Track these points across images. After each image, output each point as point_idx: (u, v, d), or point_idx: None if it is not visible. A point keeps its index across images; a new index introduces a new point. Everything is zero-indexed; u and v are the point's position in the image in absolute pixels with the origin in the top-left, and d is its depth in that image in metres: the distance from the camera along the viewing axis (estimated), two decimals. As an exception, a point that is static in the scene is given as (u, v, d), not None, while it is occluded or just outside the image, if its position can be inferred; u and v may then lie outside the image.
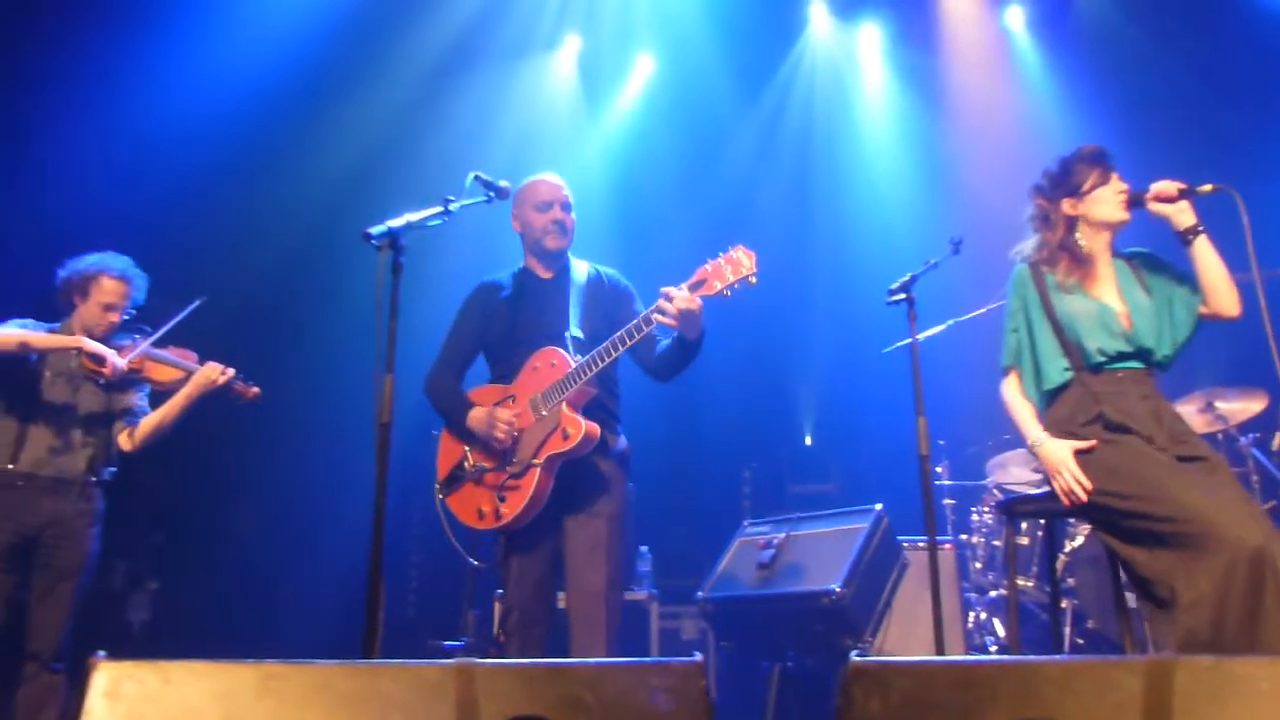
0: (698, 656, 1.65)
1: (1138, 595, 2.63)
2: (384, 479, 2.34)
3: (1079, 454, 2.78)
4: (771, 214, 7.22)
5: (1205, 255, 2.84)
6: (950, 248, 3.41)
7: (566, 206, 3.51)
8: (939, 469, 5.81)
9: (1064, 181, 3.01)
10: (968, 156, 7.05)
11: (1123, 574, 2.80)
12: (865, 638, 3.82)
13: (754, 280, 2.92)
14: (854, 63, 7.56)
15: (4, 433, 3.65)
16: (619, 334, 3.12)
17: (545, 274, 3.53)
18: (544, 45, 7.30)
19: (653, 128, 7.33)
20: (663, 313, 2.99)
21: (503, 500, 3.21)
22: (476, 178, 3.02)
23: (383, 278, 2.53)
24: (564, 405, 3.16)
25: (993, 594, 5.31)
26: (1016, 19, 7.39)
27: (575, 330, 3.36)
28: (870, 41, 7.58)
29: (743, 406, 7.11)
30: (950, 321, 5.15)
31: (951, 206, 6.91)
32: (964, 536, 5.52)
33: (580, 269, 3.55)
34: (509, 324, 3.43)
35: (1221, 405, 5.15)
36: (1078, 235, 2.99)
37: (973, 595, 5.31)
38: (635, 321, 3.10)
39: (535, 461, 3.16)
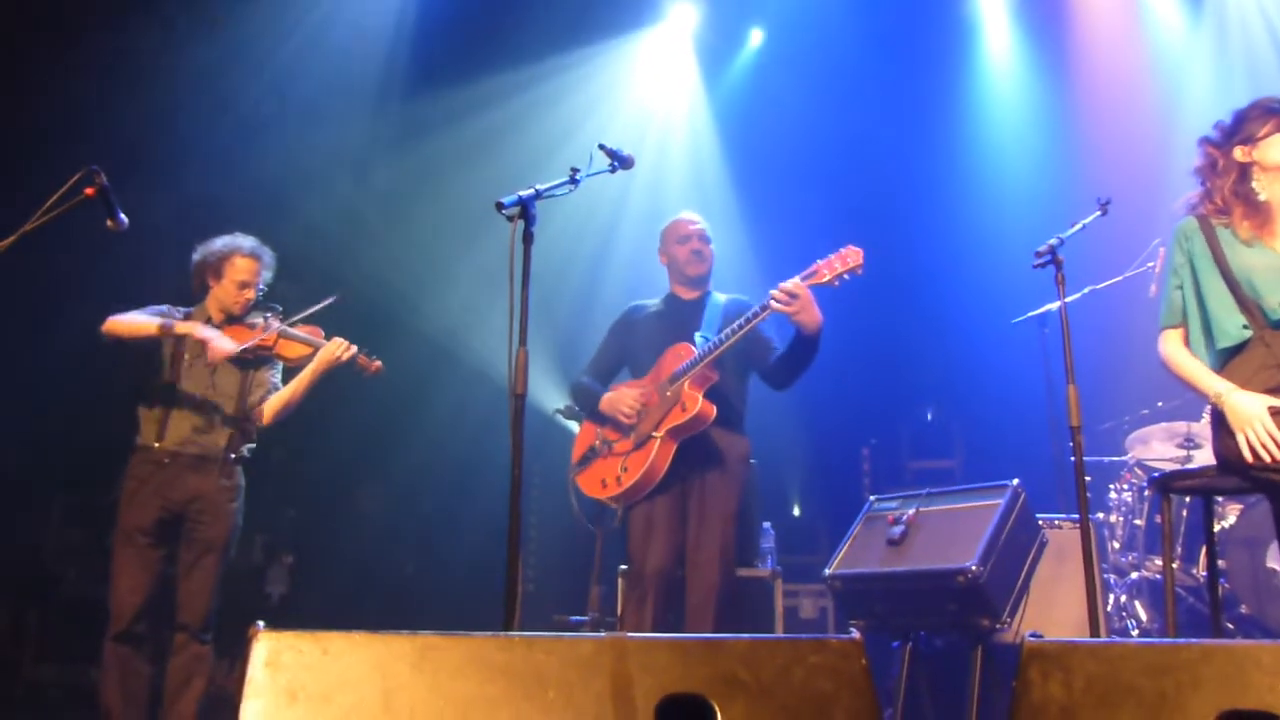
0: (855, 634, 1.58)
1: None
2: (519, 450, 2.34)
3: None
4: (893, 185, 7.01)
5: None
6: (1098, 208, 3.23)
7: (704, 238, 3.86)
8: (1071, 445, 5.56)
9: (1237, 130, 2.84)
10: (1101, 119, 6.71)
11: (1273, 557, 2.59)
12: (1003, 618, 3.66)
13: (860, 272, 3.21)
14: (977, 22, 7.27)
15: (150, 413, 3.80)
16: (734, 324, 3.36)
17: (688, 296, 3.85)
18: (656, 18, 7.25)
19: (770, 99, 7.20)
20: (777, 300, 3.21)
21: (625, 470, 3.45)
22: (601, 147, 3.01)
23: (514, 248, 2.52)
24: (686, 383, 3.40)
25: (1133, 575, 5.07)
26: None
27: (707, 333, 3.61)
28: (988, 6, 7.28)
29: (862, 382, 6.95)
30: (1087, 289, 4.92)
31: (1081, 174, 6.59)
32: (1100, 515, 5.28)
33: (720, 296, 3.84)
34: (650, 335, 3.74)
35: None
36: (1253, 184, 2.79)
37: (1112, 577, 5.08)
38: (754, 308, 3.34)
39: (655, 434, 3.39)
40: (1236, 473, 2.65)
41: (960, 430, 7.06)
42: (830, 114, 6.99)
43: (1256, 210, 2.79)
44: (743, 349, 3.45)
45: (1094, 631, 2.76)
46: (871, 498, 4.35)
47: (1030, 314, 5.03)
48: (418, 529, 6.35)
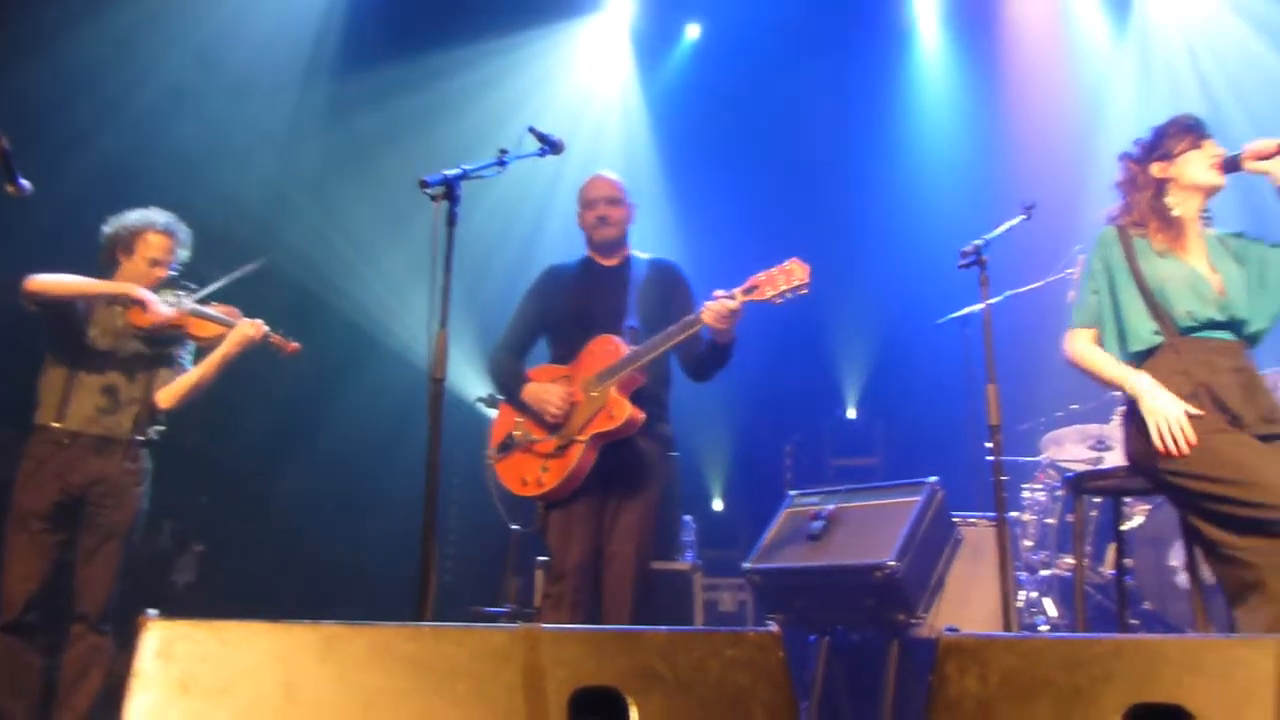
0: (773, 627, 1.56)
1: (1220, 574, 2.50)
2: (437, 436, 2.28)
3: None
4: (823, 183, 7.08)
5: None
6: (1022, 212, 3.29)
7: (611, 202, 3.63)
8: (989, 444, 5.67)
9: (1156, 147, 2.92)
10: (1027, 127, 6.86)
11: (1200, 550, 2.67)
12: (919, 613, 3.71)
13: (805, 291, 3.04)
14: (910, 27, 7.37)
15: (50, 390, 3.62)
16: (667, 330, 3.24)
17: (607, 262, 3.66)
18: (594, 7, 7.22)
19: (703, 92, 7.22)
20: (713, 319, 3.09)
21: (545, 470, 3.35)
22: (531, 130, 2.96)
23: (438, 228, 2.46)
24: (613, 388, 3.29)
25: (1044, 573, 5.19)
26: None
27: (633, 319, 3.49)
28: (925, 4, 7.38)
29: (785, 380, 7.02)
30: (1007, 293, 5.01)
31: (1006, 179, 6.72)
32: (1014, 514, 5.40)
33: (641, 259, 3.68)
34: (571, 309, 3.58)
35: (1289, 384, 4.97)
36: (1167, 199, 2.86)
37: (1024, 574, 5.19)
38: (684, 320, 3.22)
39: (580, 438, 3.29)
40: (1144, 474, 2.72)
41: (882, 428, 7.17)
42: (762, 111, 7.04)
43: (1170, 224, 2.87)
44: (727, 347, 3.34)
45: (1006, 626, 2.80)
46: (792, 493, 4.38)
47: (953, 315, 5.11)
48: (336, 517, 6.20)
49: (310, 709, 1.36)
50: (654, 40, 7.48)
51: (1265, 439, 2.59)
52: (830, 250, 6.87)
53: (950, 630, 1.41)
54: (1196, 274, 2.79)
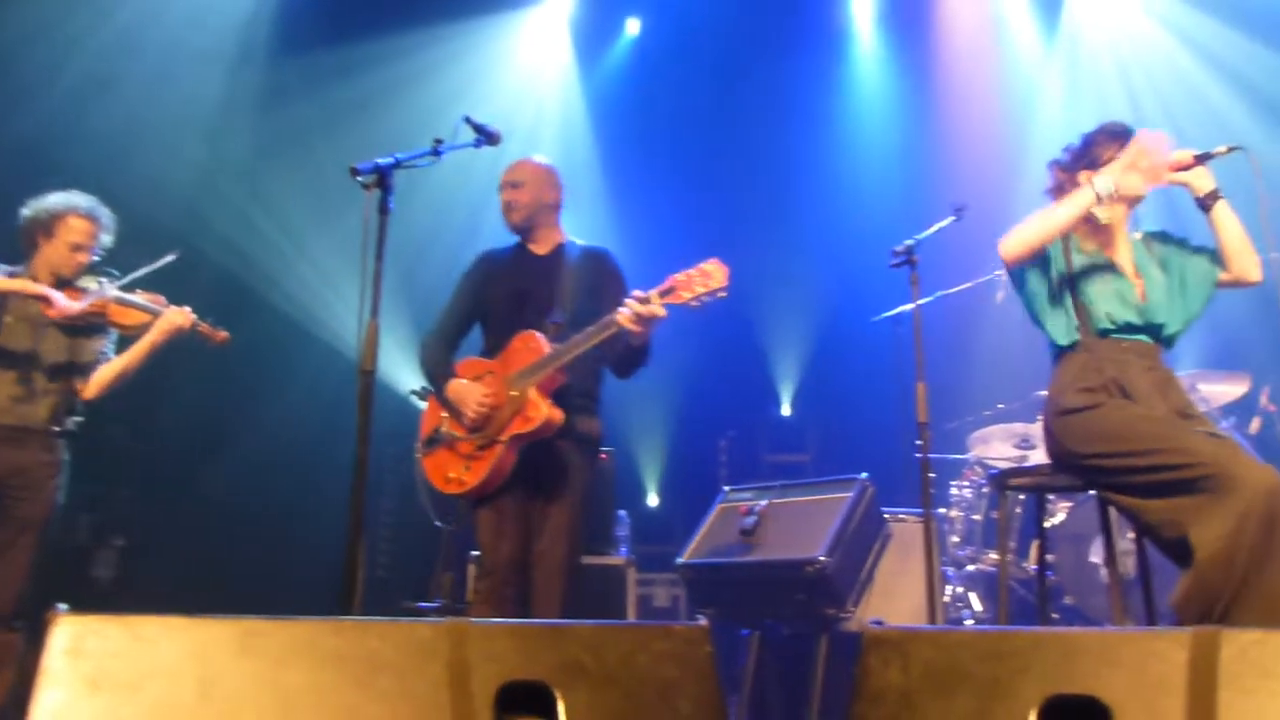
0: (702, 621, 1.57)
1: (1161, 545, 2.58)
2: (366, 429, 2.24)
3: (1080, 419, 2.73)
4: (759, 180, 7.13)
5: (1225, 220, 2.80)
6: (953, 213, 3.34)
7: (513, 185, 3.53)
8: (918, 441, 5.77)
9: (1083, 154, 2.96)
10: (962, 130, 6.99)
11: (1119, 542, 2.75)
12: (848, 607, 3.76)
13: (723, 294, 2.95)
14: (847, 28, 7.45)
15: (-38, 380, 3.49)
16: (587, 330, 3.17)
17: (538, 250, 3.57)
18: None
19: (642, 87, 7.21)
20: (631, 320, 3.01)
21: (467, 469, 3.30)
22: (467, 120, 2.92)
23: (369, 218, 2.41)
24: (532, 388, 3.22)
25: (970, 568, 5.30)
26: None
27: (560, 312, 3.42)
28: (862, 7, 7.46)
29: (721, 377, 7.07)
30: (937, 294, 5.10)
31: (938, 181, 6.84)
32: (942, 510, 5.50)
33: (576, 246, 3.58)
34: (501, 297, 3.50)
35: (1204, 387, 5.14)
36: (1095, 209, 2.92)
37: (950, 569, 5.29)
38: (602, 321, 3.13)
39: (499, 439, 3.23)
40: (1065, 468, 2.79)
41: (816, 425, 7.25)
42: (701, 107, 7.06)
43: (1098, 231, 2.93)
44: (641, 349, 3.28)
45: (931, 620, 2.85)
46: (726, 489, 4.41)
47: (886, 314, 5.18)
48: (265, 511, 6.07)
49: (226, 706, 1.32)
50: (594, 33, 7.46)
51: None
52: (767, 247, 6.95)
53: (875, 623, 1.42)
54: (1121, 279, 2.87)
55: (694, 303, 2.94)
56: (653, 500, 7.28)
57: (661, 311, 2.96)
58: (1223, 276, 2.87)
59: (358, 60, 6.35)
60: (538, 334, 3.31)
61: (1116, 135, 2.94)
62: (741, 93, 7.13)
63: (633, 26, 7.52)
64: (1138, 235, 3.03)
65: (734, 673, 4.25)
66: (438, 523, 4.52)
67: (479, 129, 2.97)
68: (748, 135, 7.11)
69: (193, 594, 5.44)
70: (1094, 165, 2.92)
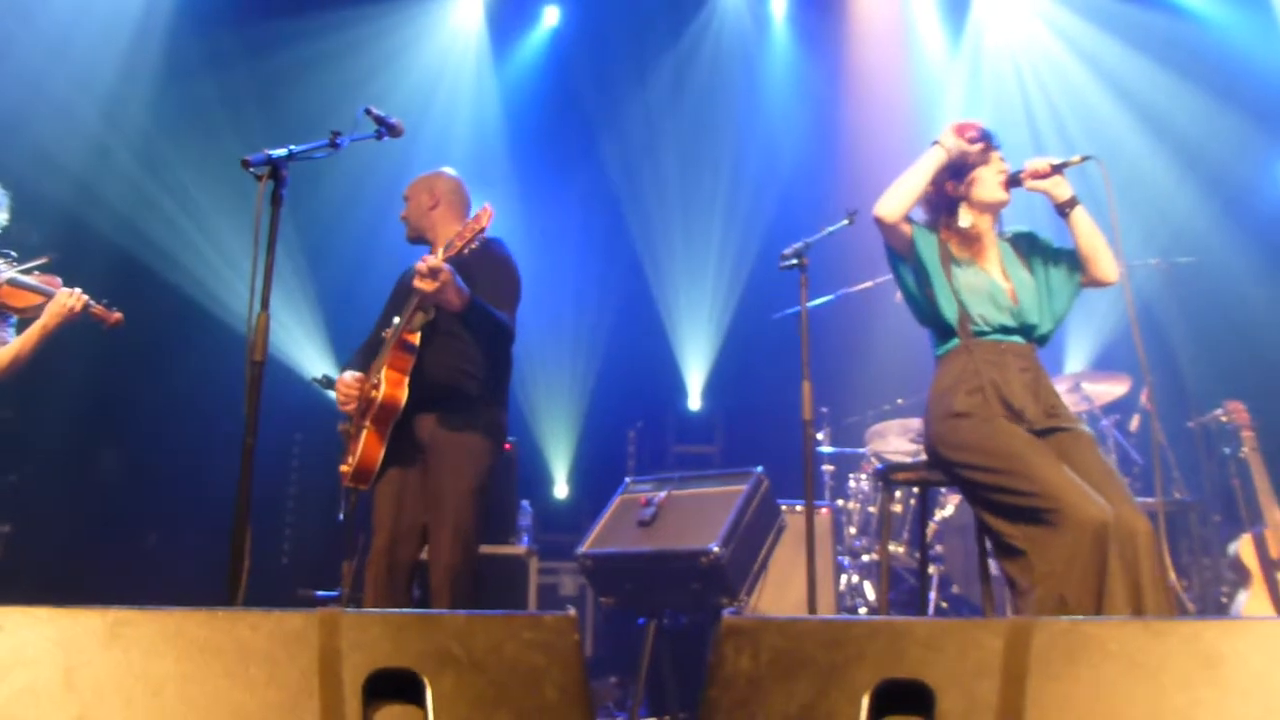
0: (571, 610, 1.63)
1: (1001, 562, 2.72)
2: (254, 419, 2.24)
3: (954, 425, 2.85)
4: (669, 174, 7.20)
5: (1083, 224, 2.94)
6: (846, 218, 3.45)
7: (403, 199, 3.68)
8: (820, 436, 5.94)
9: (951, 165, 3.05)
10: (868, 131, 7.15)
11: (988, 541, 2.89)
12: (740, 596, 3.87)
13: (484, 234, 3.10)
14: (760, 27, 7.54)
15: None
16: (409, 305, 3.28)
17: (436, 252, 3.62)
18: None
19: (554, 83, 7.21)
20: (417, 281, 3.06)
21: (352, 455, 3.36)
22: (368, 111, 2.91)
23: (261, 208, 2.41)
24: (384, 369, 3.30)
25: (865, 558, 5.48)
26: (924, 2, 7.50)
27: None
28: (777, 6, 7.58)
29: (630, 369, 7.15)
30: (840, 292, 5.24)
31: (850, 179, 7.00)
32: (840, 502, 5.67)
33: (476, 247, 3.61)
34: (399, 302, 3.54)
35: (1087, 386, 5.39)
36: (960, 216, 3.05)
37: (846, 559, 5.46)
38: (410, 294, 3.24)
39: (365, 423, 3.31)
40: (938, 466, 2.92)
41: (723, 418, 7.38)
42: (614, 99, 7.10)
43: (966, 238, 3.04)
44: (455, 318, 3.32)
45: (811, 610, 2.96)
46: (627, 480, 4.48)
47: (788, 311, 5.30)
48: (161, 498, 5.95)
49: (92, 696, 1.34)
50: (511, 22, 7.42)
51: (1046, 432, 2.83)
52: (678, 241, 7.04)
53: (731, 613, 1.51)
54: (993, 283, 2.99)
55: (465, 250, 3.07)
56: (561, 490, 7.33)
57: (439, 263, 3.02)
58: (1082, 279, 3.01)
59: (264, 40, 6.23)
60: (397, 318, 3.40)
61: (977, 142, 3.02)
62: (656, 87, 7.20)
63: (551, 16, 7.51)
64: (1006, 238, 3.14)
65: (633, 660, 4.34)
66: (340, 516, 4.51)
67: (380, 120, 2.96)
68: (661, 129, 7.18)
69: (81, 581, 5.32)
70: (958, 176, 3.05)
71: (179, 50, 6.10)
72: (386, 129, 2.99)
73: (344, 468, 3.39)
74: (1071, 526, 2.51)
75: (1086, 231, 2.94)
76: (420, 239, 3.65)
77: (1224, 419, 4.73)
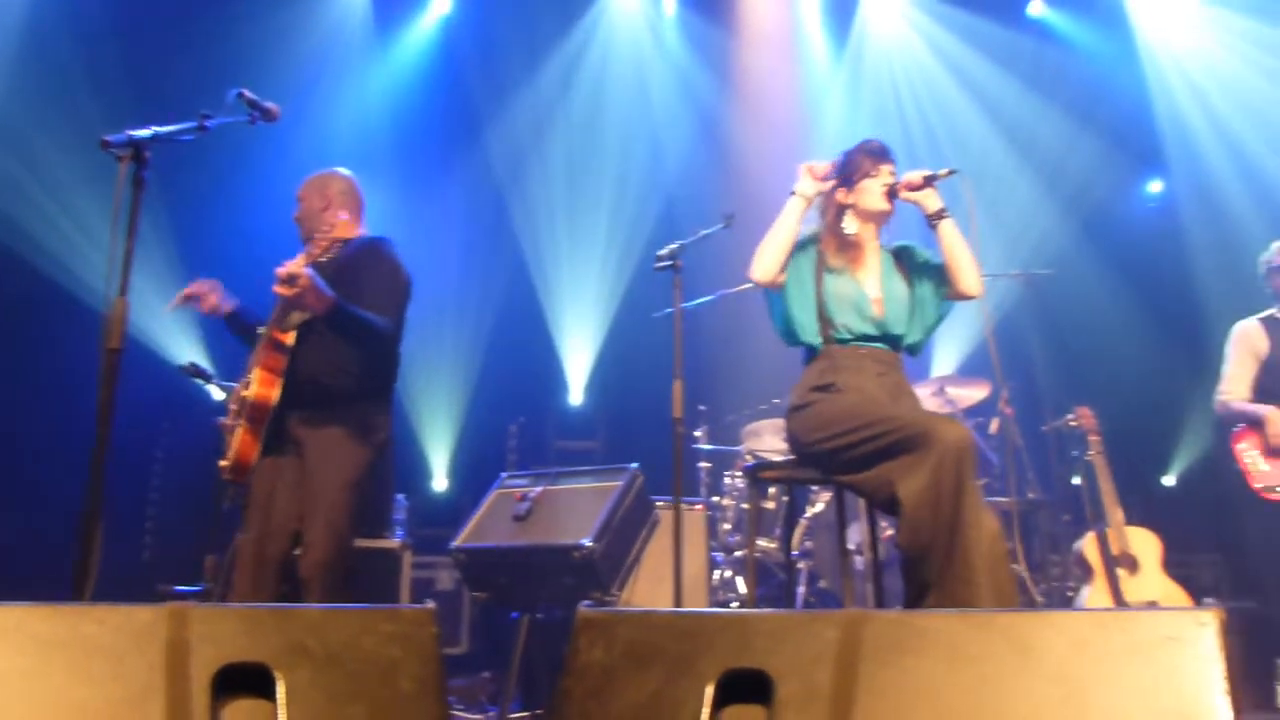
0: (430, 604, 1.65)
1: (880, 510, 2.86)
2: (108, 408, 2.18)
3: (803, 413, 2.99)
4: (556, 168, 7.21)
5: (949, 237, 3.06)
6: (722, 220, 3.53)
7: (297, 201, 3.68)
8: (698, 433, 6.05)
9: (840, 172, 3.16)
10: (753, 134, 7.30)
11: (854, 536, 3.02)
12: (613, 591, 3.92)
13: (341, 244, 3.18)
14: (650, 26, 7.60)
15: None
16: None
17: (324, 257, 3.54)
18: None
19: (441, 72, 7.12)
20: (278, 287, 3.09)
21: (228, 449, 3.35)
22: (240, 94, 2.84)
23: (121, 191, 2.33)
24: (256, 369, 3.30)
25: (739, 554, 5.60)
26: (810, 8, 7.70)
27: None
28: (668, 4, 7.65)
29: (512, 363, 7.14)
30: (720, 293, 5.34)
31: (734, 181, 7.14)
32: (716, 499, 5.78)
33: (356, 241, 3.61)
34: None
35: (951, 390, 5.63)
36: (844, 223, 3.15)
37: (720, 554, 5.57)
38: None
39: (239, 422, 3.32)
40: (802, 459, 3.04)
41: (605, 414, 7.43)
42: (499, 92, 7.06)
43: (847, 245, 3.16)
44: (327, 319, 3.30)
45: (677, 603, 3.04)
46: (504, 474, 4.49)
47: (668, 310, 5.37)
48: (9, 490, 5.66)
49: (-81, 692, 1.30)
50: (398, 7, 7.29)
51: None
52: (563, 237, 7.06)
53: (589, 605, 1.55)
54: (861, 293, 3.10)
55: (322, 257, 3.14)
56: (441, 484, 7.27)
57: (298, 269, 3.04)
58: (948, 292, 3.13)
59: (135, 14, 5.97)
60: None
61: (869, 154, 3.15)
62: (544, 81, 7.19)
63: (441, 3, 7.40)
64: (889, 249, 3.26)
65: (507, 654, 4.35)
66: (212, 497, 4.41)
67: (254, 104, 2.89)
68: (549, 123, 7.18)
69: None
70: (848, 183, 3.15)
71: (41, 19, 5.80)
72: (261, 113, 2.92)
73: (222, 462, 3.37)
74: (934, 444, 2.66)
75: (952, 244, 3.06)
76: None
77: (1074, 424, 4.99)
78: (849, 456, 2.84)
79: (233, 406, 3.46)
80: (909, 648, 1.34)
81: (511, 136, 7.14)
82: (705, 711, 1.39)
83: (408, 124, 6.99)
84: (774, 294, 3.17)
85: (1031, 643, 1.26)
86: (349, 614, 1.58)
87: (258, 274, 3.83)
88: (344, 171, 3.74)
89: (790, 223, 3.09)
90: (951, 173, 3.07)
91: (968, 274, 3.06)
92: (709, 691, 1.40)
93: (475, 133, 7.08)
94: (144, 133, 2.45)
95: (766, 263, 3.08)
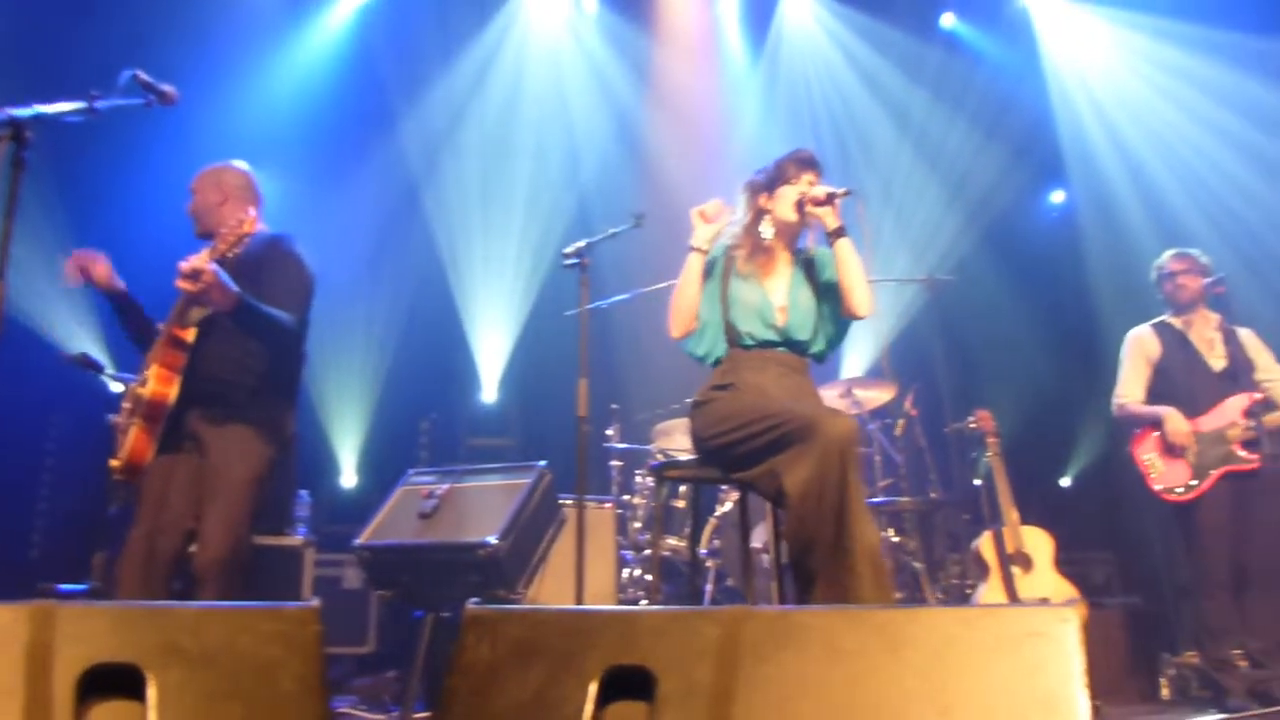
0: (314, 601, 1.62)
1: (771, 499, 2.89)
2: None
3: (702, 410, 3.07)
4: (471, 163, 7.14)
5: (843, 256, 3.09)
6: (632, 220, 3.54)
7: (189, 193, 3.60)
8: (610, 432, 6.05)
9: (775, 177, 3.20)
10: (670, 135, 7.33)
11: (761, 535, 3.05)
12: (519, 589, 3.90)
13: (248, 240, 3.11)
14: (568, 23, 7.57)
15: None
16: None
17: (230, 252, 3.44)
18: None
19: (355, 61, 6.98)
20: (180, 283, 3.04)
21: (121, 448, 3.27)
22: (135, 76, 2.74)
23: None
24: (153, 366, 3.23)
25: (647, 552, 5.62)
26: (729, 12, 7.76)
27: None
28: (588, 5, 7.64)
29: (425, 358, 7.05)
30: (634, 292, 5.35)
31: (648, 181, 7.16)
32: (627, 497, 5.80)
33: (259, 237, 3.50)
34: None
35: (858, 392, 5.73)
36: (762, 227, 3.19)
37: (630, 553, 5.59)
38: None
39: (134, 420, 3.24)
40: (702, 456, 3.08)
41: (518, 412, 7.38)
42: (414, 82, 6.96)
43: (761, 251, 3.19)
44: (232, 316, 3.24)
45: (578, 601, 3.04)
46: (410, 471, 4.43)
47: (582, 308, 5.37)
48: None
49: None
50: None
51: None
52: (478, 233, 7.00)
53: (475, 603, 1.54)
54: (766, 301, 3.13)
55: (229, 252, 3.07)
56: (350, 479, 7.15)
57: (201, 265, 2.99)
58: (841, 308, 3.16)
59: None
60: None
61: (797, 164, 3.19)
62: (461, 74, 7.12)
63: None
64: (805, 257, 3.28)
65: (412, 653, 4.29)
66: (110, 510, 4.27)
67: (149, 86, 2.79)
68: (465, 117, 7.11)
69: None
70: (770, 190, 3.18)
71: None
72: (157, 96, 2.83)
73: (114, 461, 3.27)
74: (819, 435, 2.71)
75: (846, 263, 3.08)
76: (208, 235, 3.50)
77: (974, 426, 5.13)
78: (741, 451, 2.89)
79: (127, 404, 3.37)
80: (788, 644, 1.36)
81: (426, 129, 7.04)
82: (588, 708, 1.39)
83: (319, 113, 6.83)
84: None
85: (903, 639, 1.30)
86: (227, 612, 1.54)
87: (155, 263, 3.73)
88: (240, 164, 3.65)
89: (692, 278, 3.14)
90: (848, 193, 3.10)
91: (857, 294, 3.08)
92: (592, 688, 1.40)
93: (389, 124, 6.97)
94: (25, 112, 2.35)
95: (681, 320, 3.15)
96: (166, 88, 2.88)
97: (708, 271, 3.17)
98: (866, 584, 2.61)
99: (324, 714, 1.53)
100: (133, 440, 3.19)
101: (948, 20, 7.49)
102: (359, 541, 4.10)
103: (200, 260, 2.98)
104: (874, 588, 2.62)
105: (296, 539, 4.66)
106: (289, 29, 6.99)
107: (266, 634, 1.53)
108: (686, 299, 3.13)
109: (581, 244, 3.42)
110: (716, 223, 3.13)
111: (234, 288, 3.07)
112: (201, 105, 5.49)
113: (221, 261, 3.17)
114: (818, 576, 2.70)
